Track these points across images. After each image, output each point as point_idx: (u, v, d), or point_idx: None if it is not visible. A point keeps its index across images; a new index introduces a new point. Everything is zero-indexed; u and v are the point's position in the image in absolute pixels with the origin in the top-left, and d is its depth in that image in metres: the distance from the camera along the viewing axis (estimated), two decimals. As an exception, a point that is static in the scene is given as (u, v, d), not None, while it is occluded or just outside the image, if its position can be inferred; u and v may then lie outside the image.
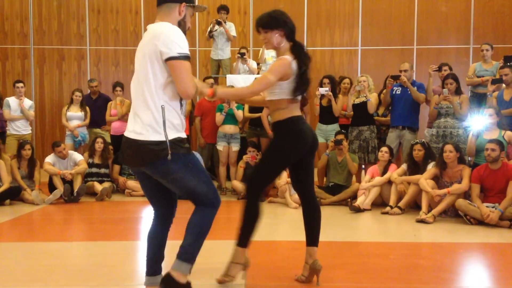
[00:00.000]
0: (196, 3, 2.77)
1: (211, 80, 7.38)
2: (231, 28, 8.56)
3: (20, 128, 7.36)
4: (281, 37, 3.06)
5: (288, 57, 3.01)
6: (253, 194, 3.13)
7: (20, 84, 7.41)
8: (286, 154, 3.08)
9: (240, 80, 7.89)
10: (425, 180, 5.41)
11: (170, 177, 2.61)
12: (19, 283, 3.26)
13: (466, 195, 5.31)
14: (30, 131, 7.62)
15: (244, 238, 3.12)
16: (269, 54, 8.32)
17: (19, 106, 7.29)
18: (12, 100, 7.34)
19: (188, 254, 2.67)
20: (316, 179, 6.84)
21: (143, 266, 3.78)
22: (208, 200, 2.71)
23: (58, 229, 5.27)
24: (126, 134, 2.66)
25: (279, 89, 3.02)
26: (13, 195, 6.26)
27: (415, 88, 6.51)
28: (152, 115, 2.55)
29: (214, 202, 2.73)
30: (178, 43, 2.54)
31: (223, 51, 8.62)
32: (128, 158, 2.68)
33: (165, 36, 2.55)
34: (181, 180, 2.63)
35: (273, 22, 3.06)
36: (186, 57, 2.55)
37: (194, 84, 2.62)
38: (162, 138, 2.55)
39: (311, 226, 3.28)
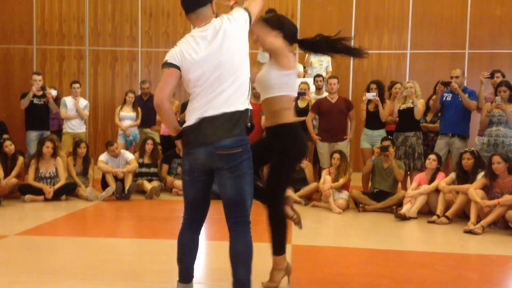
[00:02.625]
0: None
1: None
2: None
3: (75, 127, 7.71)
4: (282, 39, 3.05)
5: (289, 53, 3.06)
6: (278, 202, 3.04)
7: (77, 85, 7.77)
8: (299, 158, 3.14)
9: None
10: (474, 190, 5.29)
11: (238, 172, 2.52)
12: (74, 276, 3.45)
13: (518, 206, 5.15)
14: (84, 130, 7.96)
15: (277, 246, 3.10)
16: (315, 58, 8.34)
17: (75, 106, 7.64)
18: (68, 100, 7.70)
19: (247, 285, 2.60)
20: (360, 184, 6.84)
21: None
22: (248, 216, 2.60)
23: (110, 225, 5.51)
24: None
25: (288, 79, 3.01)
26: (69, 191, 6.59)
27: (466, 95, 6.36)
28: None
29: (249, 218, 2.61)
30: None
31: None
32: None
33: None
34: (243, 181, 2.54)
35: (272, 24, 3.06)
36: (164, 64, 2.59)
37: (162, 93, 2.53)
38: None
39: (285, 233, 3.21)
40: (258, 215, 2.81)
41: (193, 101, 2.60)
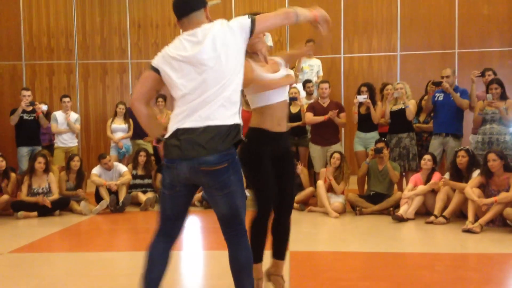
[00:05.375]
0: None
1: None
2: (267, 38, 8.60)
3: (66, 141, 7.65)
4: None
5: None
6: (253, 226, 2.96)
7: (67, 99, 7.71)
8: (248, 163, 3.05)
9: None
10: (471, 189, 5.27)
11: (228, 189, 2.36)
12: (71, 293, 3.39)
13: (515, 203, 5.14)
14: (76, 144, 7.89)
15: (274, 249, 3.13)
16: (306, 63, 8.34)
17: (66, 120, 7.58)
18: (59, 114, 7.64)
19: None
20: (356, 187, 6.81)
21: (187, 276, 3.88)
22: (245, 229, 2.47)
23: (105, 239, 5.44)
24: None
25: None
26: (63, 205, 6.51)
27: (458, 94, 6.37)
28: None
29: (245, 227, 2.48)
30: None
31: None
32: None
33: None
34: (234, 196, 2.39)
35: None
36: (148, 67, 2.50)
37: (134, 95, 2.49)
38: None
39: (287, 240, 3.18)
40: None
41: (175, 108, 2.44)
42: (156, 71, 2.44)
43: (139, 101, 2.44)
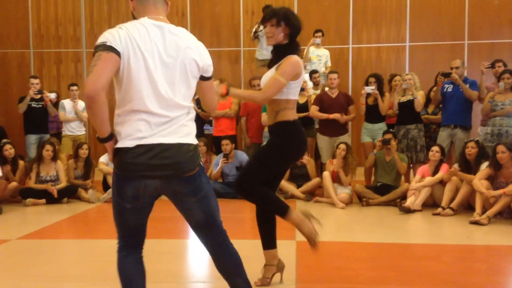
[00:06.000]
0: None
1: (218, 81, 7.43)
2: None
3: (74, 129, 7.68)
4: (285, 36, 2.98)
5: (296, 56, 2.97)
6: (253, 192, 2.94)
7: (75, 87, 7.72)
8: (290, 157, 3.04)
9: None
10: (479, 181, 5.25)
11: (201, 193, 2.22)
12: (78, 279, 3.41)
13: (523, 196, 5.11)
14: (84, 132, 7.93)
15: (263, 239, 3.14)
16: (314, 53, 8.29)
17: (73, 108, 7.60)
18: (67, 103, 7.66)
19: None
20: (363, 178, 6.79)
21: (194, 264, 3.90)
22: (222, 227, 2.34)
23: (112, 226, 5.41)
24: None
25: (287, 88, 2.95)
26: (70, 193, 6.55)
27: (467, 85, 6.32)
28: None
29: (223, 227, 2.35)
30: None
31: (268, 51, 8.63)
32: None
33: None
34: (208, 198, 2.25)
35: (285, 19, 2.95)
36: (100, 46, 2.07)
37: (98, 82, 2.00)
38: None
39: (272, 229, 3.16)
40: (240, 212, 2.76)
41: (127, 105, 2.13)
42: (118, 54, 2.11)
43: (105, 91, 2.04)
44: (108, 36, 2.09)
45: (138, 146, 2.08)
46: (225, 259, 2.33)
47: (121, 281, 2.29)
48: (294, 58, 2.94)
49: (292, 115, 2.99)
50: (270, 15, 2.96)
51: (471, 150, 5.58)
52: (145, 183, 2.12)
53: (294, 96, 3.00)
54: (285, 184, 6.61)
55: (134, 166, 2.09)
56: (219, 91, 2.86)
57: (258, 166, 2.97)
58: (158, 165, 2.08)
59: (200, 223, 2.26)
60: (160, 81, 2.11)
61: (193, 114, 2.24)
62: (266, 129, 7.03)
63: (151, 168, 2.08)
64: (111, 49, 2.05)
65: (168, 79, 2.13)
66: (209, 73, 2.28)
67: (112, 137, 2.16)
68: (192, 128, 2.22)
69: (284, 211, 2.91)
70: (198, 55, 2.20)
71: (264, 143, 6.91)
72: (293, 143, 2.98)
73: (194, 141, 2.20)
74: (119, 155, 2.12)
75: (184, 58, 2.16)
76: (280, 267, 3.19)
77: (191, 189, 2.17)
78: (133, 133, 2.10)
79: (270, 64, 3.08)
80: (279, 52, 3.00)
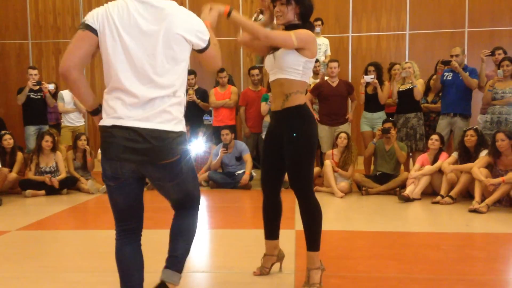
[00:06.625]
0: None
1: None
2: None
3: (73, 120, 7.67)
4: (295, 14, 2.82)
5: (313, 34, 2.81)
6: (311, 194, 2.84)
7: (73, 78, 7.68)
8: (316, 140, 2.92)
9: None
10: (478, 169, 5.24)
11: (178, 179, 2.20)
12: (77, 269, 3.42)
13: (522, 184, 5.11)
14: (83, 123, 7.91)
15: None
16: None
17: (72, 99, 7.58)
18: (66, 93, 7.64)
19: (181, 264, 2.34)
20: (362, 167, 6.79)
21: (194, 253, 3.91)
22: (198, 203, 2.39)
23: (112, 217, 5.46)
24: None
25: (304, 68, 2.77)
26: (70, 184, 6.56)
27: (467, 73, 6.29)
28: None
29: (199, 204, 2.41)
30: None
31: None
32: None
33: None
34: (185, 183, 2.24)
35: None
36: (79, 26, 2.14)
37: (68, 61, 2.08)
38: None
39: (278, 221, 3.09)
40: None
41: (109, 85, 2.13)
42: (95, 31, 2.13)
43: (76, 68, 2.11)
44: (88, 15, 2.12)
45: (114, 127, 2.06)
46: (180, 222, 2.33)
47: (118, 270, 2.29)
48: (312, 33, 2.78)
49: (303, 99, 2.84)
50: None
51: (470, 138, 5.57)
52: (121, 164, 2.11)
53: (308, 79, 2.86)
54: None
55: (110, 145, 2.08)
56: (221, 10, 2.64)
57: (306, 166, 2.79)
58: (132, 149, 2.05)
59: (175, 201, 2.31)
60: (137, 55, 2.06)
61: (179, 99, 2.14)
62: (266, 119, 7.01)
63: (124, 151, 2.06)
64: (87, 27, 2.08)
65: (148, 52, 2.06)
66: (203, 43, 2.18)
67: (99, 111, 2.19)
68: (176, 114, 2.12)
69: (267, 234, 3.05)
70: (184, 27, 2.10)
71: (264, 132, 6.91)
72: (315, 126, 2.89)
73: (175, 128, 2.10)
74: (100, 132, 2.14)
75: (167, 31, 2.07)
76: (280, 257, 3.19)
77: (168, 175, 2.14)
78: (110, 112, 2.09)
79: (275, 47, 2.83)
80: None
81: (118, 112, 2.06)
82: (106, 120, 2.10)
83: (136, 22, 2.07)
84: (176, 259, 2.33)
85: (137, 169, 2.13)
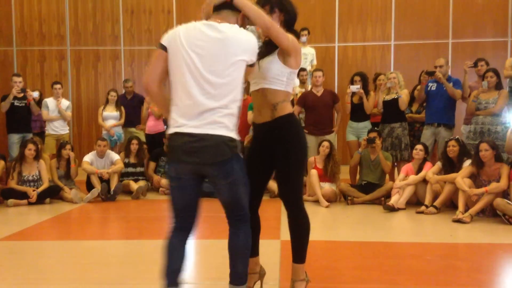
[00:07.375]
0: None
1: None
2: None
3: (58, 128, 7.58)
4: (280, 23, 2.73)
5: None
6: (301, 205, 2.82)
7: (58, 86, 7.63)
8: (307, 149, 2.87)
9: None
10: (461, 179, 5.30)
11: (231, 178, 2.44)
12: (60, 281, 3.37)
13: (505, 194, 5.17)
14: (67, 131, 7.83)
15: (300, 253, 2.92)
16: (303, 51, 8.28)
17: (57, 107, 7.51)
18: (50, 101, 7.57)
19: (244, 278, 2.59)
20: (348, 177, 6.82)
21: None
22: (248, 216, 2.57)
23: (96, 227, 5.42)
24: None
25: (288, 79, 2.73)
26: (53, 193, 6.47)
27: (451, 84, 6.38)
28: None
29: (249, 216, 2.58)
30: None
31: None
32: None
33: None
34: (237, 184, 2.47)
35: (278, 4, 2.75)
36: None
37: (148, 77, 2.47)
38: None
39: (257, 237, 2.94)
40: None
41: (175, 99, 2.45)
42: (165, 49, 2.47)
43: (155, 83, 2.47)
44: (165, 35, 2.47)
45: (176, 134, 2.41)
46: (235, 239, 2.55)
47: (164, 255, 2.53)
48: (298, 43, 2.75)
49: (290, 108, 2.80)
50: (263, 2, 2.74)
51: (453, 148, 5.63)
52: (181, 165, 2.44)
53: (290, 89, 2.82)
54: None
55: (172, 149, 2.45)
56: None
57: (299, 178, 2.78)
58: (188, 152, 2.38)
59: (227, 206, 2.54)
60: (198, 70, 2.35)
61: (231, 111, 2.40)
62: (252, 128, 7.01)
63: (183, 154, 2.40)
64: (161, 46, 2.45)
65: (210, 68, 2.35)
66: (254, 59, 2.49)
67: None
68: (228, 123, 2.39)
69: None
70: (242, 48, 2.38)
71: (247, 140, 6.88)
72: (303, 135, 2.84)
73: (227, 133, 2.38)
74: (168, 139, 2.49)
75: (227, 50, 2.35)
76: (262, 274, 3.08)
77: (221, 173, 2.42)
78: (173, 123, 2.44)
79: (262, 54, 2.67)
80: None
81: (179, 122, 2.40)
82: (170, 129, 2.46)
83: (200, 41, 2.37)
84: (238, 275, 2.58)
85: (195, 170, 2.43)
